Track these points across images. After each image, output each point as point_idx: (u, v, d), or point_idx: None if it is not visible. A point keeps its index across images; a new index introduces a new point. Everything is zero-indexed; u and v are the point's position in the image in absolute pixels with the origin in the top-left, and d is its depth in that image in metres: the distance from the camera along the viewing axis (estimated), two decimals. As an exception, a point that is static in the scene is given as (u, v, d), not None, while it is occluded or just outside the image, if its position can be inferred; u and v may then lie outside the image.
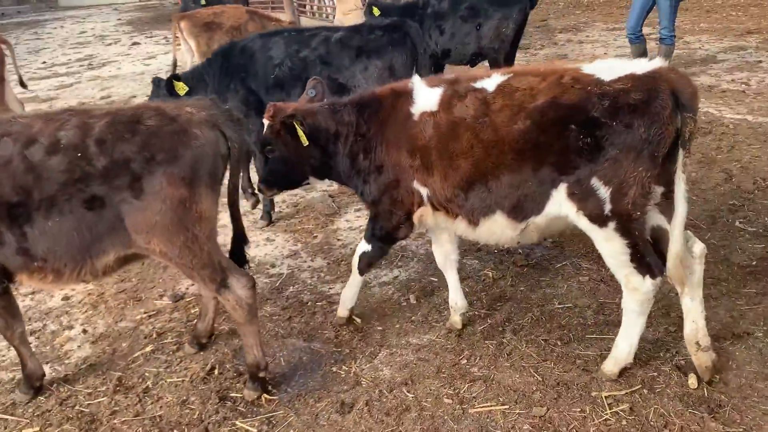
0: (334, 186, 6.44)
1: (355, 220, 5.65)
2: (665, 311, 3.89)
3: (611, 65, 3.03)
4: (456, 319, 3.91)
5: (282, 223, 5.72)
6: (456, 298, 3.92)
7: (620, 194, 2.91)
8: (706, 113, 7.14)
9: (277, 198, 6.24)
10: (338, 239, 5.32)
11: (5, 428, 3.44)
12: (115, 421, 3.43)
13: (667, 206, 3.02)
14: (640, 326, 3.22)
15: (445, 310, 4.13)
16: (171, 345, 4.05)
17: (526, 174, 3.08)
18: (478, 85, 3.22)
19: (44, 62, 17.02)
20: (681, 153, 2.85)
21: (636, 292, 3.11)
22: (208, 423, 3.34)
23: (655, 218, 3.12)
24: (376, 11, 7.49)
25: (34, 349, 4.18)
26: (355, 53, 5.23)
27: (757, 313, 3.78)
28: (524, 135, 3.03)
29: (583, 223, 3.06)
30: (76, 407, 3.57)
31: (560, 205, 3.07)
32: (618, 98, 2.86)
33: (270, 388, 3.56)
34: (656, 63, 2.96)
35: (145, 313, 4.48)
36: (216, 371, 3.73)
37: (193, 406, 3.47)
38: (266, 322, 4.21)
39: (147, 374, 3.79)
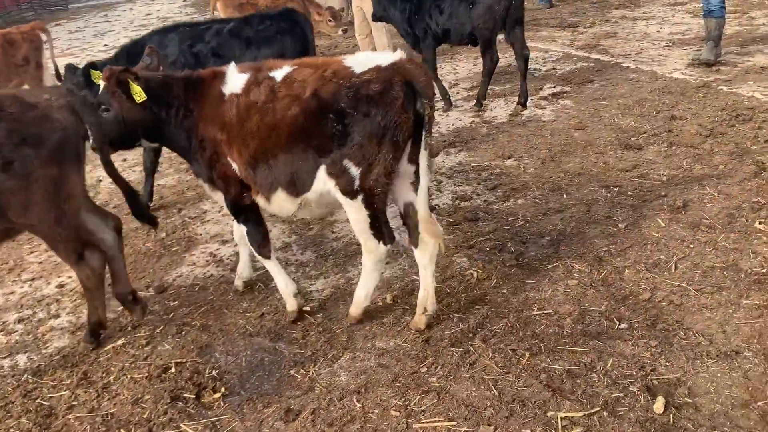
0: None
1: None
2: (651, 322, 3.56)
3: (366, 58, 3.40)
4: (238, 283, 4.44)
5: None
6: (243, 268, 4.39)
7: (367, 173, 3.34)
8: (751, 98, 6.54)
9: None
10: (333, 232, 5.19)
11: (-34, 419, 3.52)
12: (70, 416, 3.45)
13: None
14: (375, 279, 3.82)
15: (420, 311, 3.94)
16: (142, 339, 4.05)
17: (297, 155, 3.46)
18: (272, 74, 3.56)
19: (105, 45, 17.61)
20: (423, 134, 3.29)
21: (371, 254, 3.67)
22: (154, 424, 3.31)
23: (410, 196, 3.61)
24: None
25: (18, 337, 4.29)
26: (245, 44, 5.40)
27: (753, 328, 3.39)
28: (295, 121, 3.39)
29: (339, 197, 3.48)
30: (38, 400, 3.61)
31: (324, 182, 3.47)
32: (360, 90, 3.24)
33: (224, 390, 3.50)
34: (396, 55, 3.33)
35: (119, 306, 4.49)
36: (174, 369, 3.69)
37: (144, 405, 3.45)
38: (238, 319, 4.14)
39: (112, 368, 3.80)
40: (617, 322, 3.60)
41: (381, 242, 3.63)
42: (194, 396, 3.48)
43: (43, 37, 8.75)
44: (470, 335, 3.67)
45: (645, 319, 3.58)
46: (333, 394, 3.36)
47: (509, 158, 6.13)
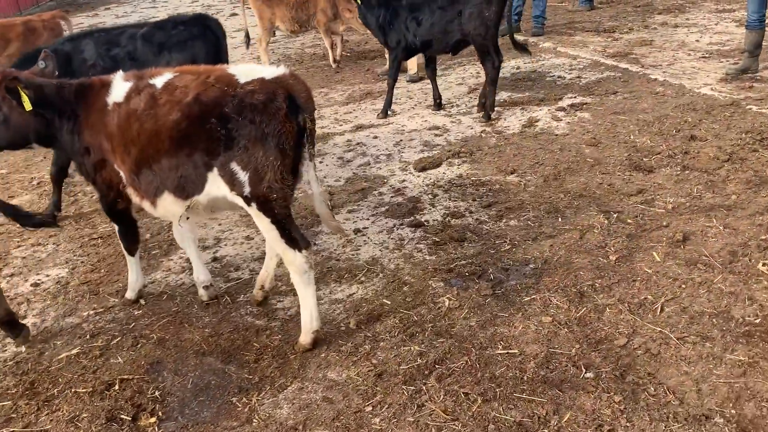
0: (332, 182, 6.12)
1: (343, 222, 5.29)
2: (621, 373, 3.26)
3: (250, 69, 3.53)
4: (201, 292, 4.35)
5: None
6: (198, 272, 4.34)
7: (257, 178, 3.40)
8: (781, 119, 6.07)
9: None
10: (315, 243, 5.00)
11: None
12: (3, 429, 3.36)
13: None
14: (311, 294, 3.67)
15: (383, 340, 3.73)
16: (97, 349, 3.95)
17: (182, 159, 3.52)
18: (152, 81, 3.64)
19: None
20: (306, 146, 3.51)
21: (292, 266, 3.59)
22: (83, 446, 3.19)
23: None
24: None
25: (-20, 338, 4.23)
26: (157, 49, 5.41)
27: (732, 389, 3.07)
28: (178, 126, 3.46)
29: (238, 201, 3.53)
30: (-20, 409, 3.54)
31: (217, 186, 3.53)
32: (245, 98, 3.35)
33: (161, 414, 3.36)
34: (280, 70, 3.49)
35: (93, 309, 4.42)
36: (117, 386, 3.56)
37: (79, 424, 3.33)
38: (195, 334, 4.00)
39: (60, 380, 3.70)
40: (584, 370, 3.31)
41: (296, 250, 3.57)
42: (131, 418, 3.34)
43: (64, 24, 8.81)
44: (426, 372, 3.44)
45: (615, 369, 3.29)
46: (270, 428, 3.18)
47: (512, 173, 5.83)
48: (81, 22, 21.08)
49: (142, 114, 3.56)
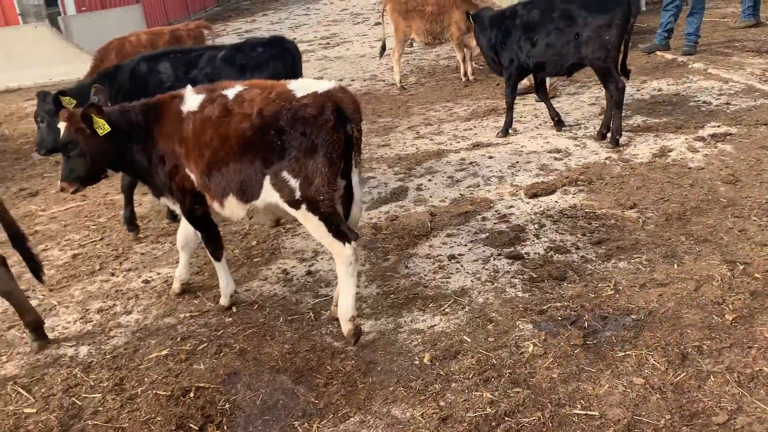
0: (436, 202, 5.98)
1: (439, 246, 5.16)
2: None
3: (306, 84, 3.86)
4: (176, 286, 4.84)
5: (366, 238, 5.45)
6: (181, 272, 4.81)
7: (307, 184, 3.73)
8: None
9: (377, 210, 6.00)
10: (407, 266, 4.91)
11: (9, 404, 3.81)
12: (89, 422, 3.59)
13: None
14: (353, 285, 3.90)
15: (455, 381, 3.56)
16: (184, 353, 4.11)
17: (245, 165, 3.86)
18: (224, 92, 4.02)
19: (294, 38, 18.61)
20: (353, 154, 3.82)
21: (340, 257, 3.86)
22: (150, 450, 3.32)
23: (338, 207, 3.97)
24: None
25: (90, 328, 4.59)
26: (239, 70, 5.59)
27: None
28: (244, 134, 3.82)
29: (286, 208, 3.86)
30: (74, 398, 3.81)
31: (270, 193, 3.86)
32: (298, 111, 3.69)
33: (226, 429, 3.43)
34: (331, 84, 3.80)
35: (190, 312, 4.62)
36: (193, 393, 3.69)
37: (152, 428, 3.48)
38: (275, 349, 4.05)
39: (146, 379, 3.90)
40: (670, 448, 2.94)
41: (345, 242, 3.83)
42: (198, 428, 3.44)
43: (207, 34, 9.39)
44: (493, 423, 3.23)
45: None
46: (323, 459, 3.13)
47: (631, 208, 5.38)
48: (239, 27, 22.56)
49: (216, 121, 3.92)
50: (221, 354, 4.07)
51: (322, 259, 5.21)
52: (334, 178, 3.76)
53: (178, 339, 4.30)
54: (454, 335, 3.99)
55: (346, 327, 3.93)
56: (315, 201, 3.75)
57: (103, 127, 4.04)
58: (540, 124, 7.94)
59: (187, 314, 4.61)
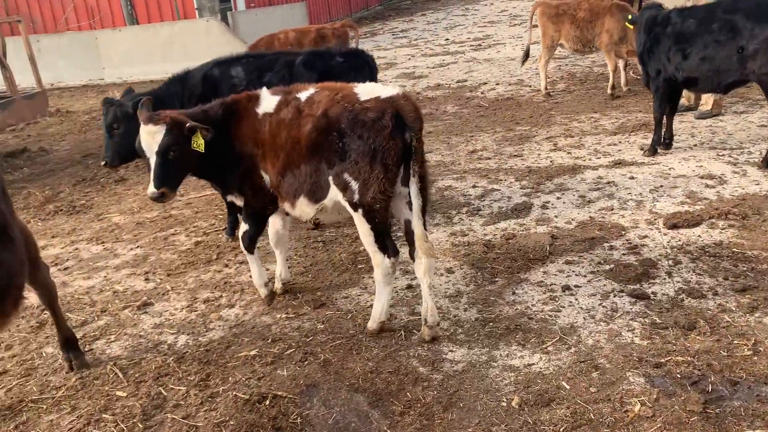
0: (561, 223, 5.50)
1: (555, 274, 4.72)
2: None
3: (372, 88, 3.89)
4: (277, 285, 4.89)
5: (476, 256, 5.13)
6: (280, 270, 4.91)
7: (365, 189, 3.78)
8: None
9: (493, 225, 5.64)
10: (514, 293, 4.53)
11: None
12: (169, 415, 3.64)
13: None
14: (388, 293, 4.13)
15: (544, 432, 3.18)
16: (272, 356, 4.07)
17: (314, 166, 3.97)
18: (298, 95, 4.12)
19: (447, 39, 18.46)
20: (412, 162, 3.75)
21: (379, 267, 4.02)
22: (216, 455, 3.28)
23: (407, 214, 4.02)
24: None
25: (194, 317, 4.70)
26: (317, 76, 5.44)
27: None
28: (311, 136, 3.91)
29: (347, 207, 3.93)
30: (161, 388, 3.89)
31: (335, 193, 3.94)
32: (359, 115, 3.73)
33: (292, 443, 3.31)
34: (395, 90, 3.83)
35: (286, 313, 4.59)
36: (269, 401, 3.61)
37: (224, 430, 3.44)
38: (358, 365, 3.88)
39: (230, 379, 3.90)
40: None
41: (386, 256, 3.98)
42: (275, 438, 3.35)
43: (351, 33, 9.47)
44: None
45: None
46: (382, 498, 2.90)
47: (791, 253, 4.59)
48: (395, 26, 22.81)
49: (289, 123, 4.03)
50: (305, 362, 3.97)
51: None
52: (391, 185, 3.79)
53: (269, 340, 4.27)
54: (552, 379, 3.59)
55: (371, 325, 4.18)
56: (371, 208, 3.82)
57: (200, 146, 4.10)
58: (695, 145, 7.11)
59: (284, 315, 4.58)
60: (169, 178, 4.11)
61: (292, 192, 4.12)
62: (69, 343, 4.18)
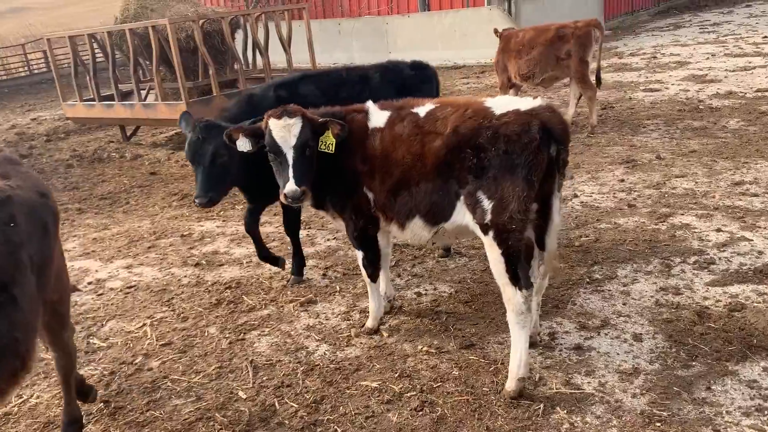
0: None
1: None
2: None
3: (506, 101, 3.60)
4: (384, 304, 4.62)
5: (680, 325, 4.06)
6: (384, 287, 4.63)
7: (500, 208, 3.43)
8: None
9: (720, 288, 4.42)
10: (709, 388, 3.46)
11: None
12: (270, 431, 3.51)
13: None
14: (525, 339, 3.54)
15: None
16: (390, 393, 3.70)
17: (438, 185, 3.68)
18: (415, 110, 3.85)
19: (766, 36, 15.57)
20: (557, 176, 3.53)
21: (510, 303, 3.53)
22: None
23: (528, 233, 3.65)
24: None
25: (344, 327, 4.56)
26: (394, 90, 5.14)
27: None
28: (438, 153, 3.62)
29: (476, 230, 3.58)
30: (277, 399, 3.78)
31: (463, 214, 3.62)
32: (499, 129, 3.44)
33: None
34: (537, 102, 3.52)
35: (454, 345, 4.15)
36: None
37: None
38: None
39: (341, 409, 3.64)
40: None
41: (518, 288, 3.50)
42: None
43: (596, 33, 8.38)
44: None
45: None
46: None
47: None
48: (708, 19, 20.01)
49: (407, 139, 3.76)
50: (419, 412, 3.52)
51: (607, 334, 4.09)
52: (530, 203, 3.46)
53: (397, 374, 3.90)
54: None
55: (510, 385, 3.59)
56: (505, 230, 3.45)
57: (330, 146, 3.91)
58: None
59: (425, 348, 4.15)
60: (307, 175, 3.88)
61: (405, 212, 3.86)
62: (73, 425, 3.51)
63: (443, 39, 17.90)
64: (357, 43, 19.45)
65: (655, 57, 14.34)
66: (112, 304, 5.29)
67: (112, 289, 5.61)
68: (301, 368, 4.07)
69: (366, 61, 18.63)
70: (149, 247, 6.52)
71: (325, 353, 4.23)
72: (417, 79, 5.62)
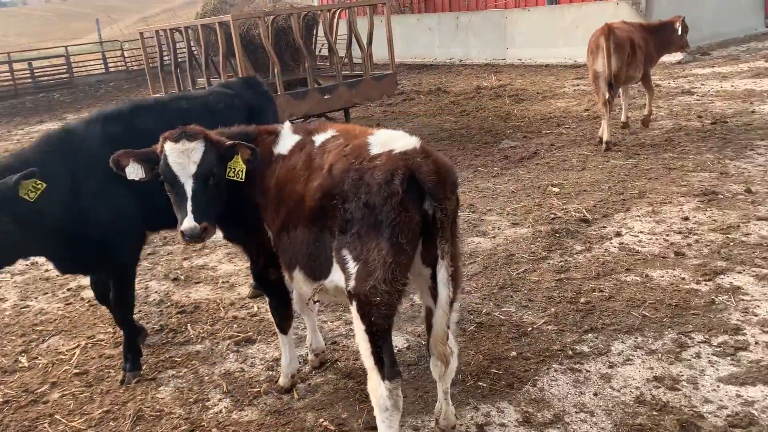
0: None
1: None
2: None
3: (389, 137, 2.92)
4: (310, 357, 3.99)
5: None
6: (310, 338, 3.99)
7: (365, 274, 2.72)
8: None
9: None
10: None
11: None
12: None
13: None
14: None
15: None
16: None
17: (315, 235, 3.02)
18: (314, 138, 3.24)
19: None
20: (439, 240, 2.71)
21: (373, 395, 2.82)
22: None
23: (429, 301, 2.96)
24: None
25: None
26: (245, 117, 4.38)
27: None
28: (314, 195, 2.98)
29: (346, 296, 2.85)
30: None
31: (339, 274, 2.89)
32: (364, 176, 2.77)
33: None
34: (411, 142, 2.81)
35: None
36: None
37: None
38: None
39: None
40: None
41: (382, 378, 2.77)
42: None
43: (600, 42, 7.35)
44: None
45: None
46: None
47: None
48: None
49: (297, 174, 3.15)
50: None
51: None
52: (402, 273, 2.71)
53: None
54: None
55: None
56: (368, 302, 2.72)
57: (239, 174, 3.36)
58: None
59: (326, 423, 3.44)
60: (211, 208, 3.29)
61: (287, 261, 3.24)
62: None
63: (565, 34, 16.44)
64: (474, 39, 18.46)
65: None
66: (68, 317, 5.09)
67: (83, 299, 5.43)
68: (183, 427, 3.53)
69: (483, 59, 18.10)
70: (149, 254, 6.31)
71: (220, 410, 3.67)
72: (261, 99, 4.88)
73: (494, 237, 5.75)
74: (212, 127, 3.54)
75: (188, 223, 3.17)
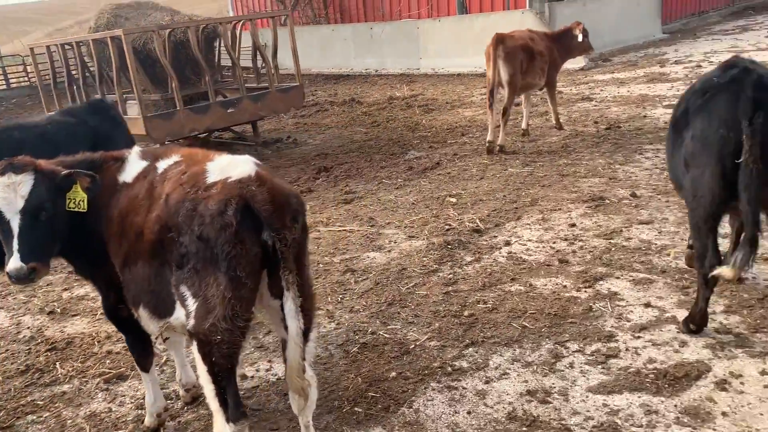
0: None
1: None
2: None
3: (228, 164, 2.77)
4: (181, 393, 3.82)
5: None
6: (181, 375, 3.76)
7: (204, 311, 2.60)
8: None
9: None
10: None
11: None
12: None
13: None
14: None
15: None
16: None
17: (156, 268, 2.84)
18: (157, 164, 3.04)
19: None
20: (282, 272, 2.60)
21: None
22: None
23: (282, 333, 2.80)
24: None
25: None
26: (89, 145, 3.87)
27: None
28: (153, 227, 2.80)
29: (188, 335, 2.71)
30: None
31: (180, 310, 2.73)
32: (198, 206, 2.64)
33: None
34: (246, 169, 2.68)
35: None
36: None
37: None
38: None
39: None
40: None
41: (226, 419, 2.67)
42: None
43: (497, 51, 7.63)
44: None
45: None
46: None
47: None
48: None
49: (137, 204, 2.95)
50: None
51: None
52: (244, 309, 2.60)
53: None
54: None
55: None
56: (208, 342, 2.59)
57: (80, 204, 3.13)
58: None
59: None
60: (43, 246, 3.04)
61: (131, 297, 3.05)
62: None
63: (474, 44, 16.69)
64: (389, 49, 18.54)
65: (700, 66, 12.65)
66: None
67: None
68: None
69: (398, 69, 18.18)
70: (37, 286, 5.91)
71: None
72: (108, 124, 4.72)
73: (389, 251, 5.69)
74: (51, 158, 3.29)
75: (14, 263, 2.92)
